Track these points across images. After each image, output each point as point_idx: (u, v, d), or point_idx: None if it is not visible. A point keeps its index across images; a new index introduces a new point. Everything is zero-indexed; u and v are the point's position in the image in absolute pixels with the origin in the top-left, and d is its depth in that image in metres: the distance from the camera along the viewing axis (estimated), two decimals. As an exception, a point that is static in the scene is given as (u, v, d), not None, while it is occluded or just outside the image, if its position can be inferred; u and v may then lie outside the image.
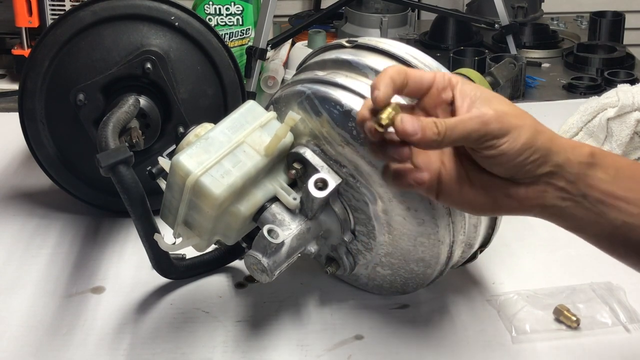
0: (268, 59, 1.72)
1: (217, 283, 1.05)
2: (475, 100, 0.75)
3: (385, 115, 0.73)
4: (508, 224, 1.01)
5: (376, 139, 0.74)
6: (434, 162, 0.77)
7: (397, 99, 0.77)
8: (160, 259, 1.00)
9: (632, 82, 1.52)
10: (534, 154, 0.75)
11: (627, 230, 0.76)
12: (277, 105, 0.97)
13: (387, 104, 0.74)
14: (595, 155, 0.78)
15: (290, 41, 1.82)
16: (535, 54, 1.87)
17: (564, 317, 0.96)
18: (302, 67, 1.03)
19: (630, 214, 0.76)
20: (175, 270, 1.02)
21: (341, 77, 0.93)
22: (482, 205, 0.77)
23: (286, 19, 2.11)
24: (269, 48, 1.66)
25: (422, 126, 0.72)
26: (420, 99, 0.78)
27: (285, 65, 1.76)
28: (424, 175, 0.76)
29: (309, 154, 0.92)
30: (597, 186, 0.76)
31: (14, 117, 1.20)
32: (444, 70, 0.93)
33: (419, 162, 0.77)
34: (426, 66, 0.93)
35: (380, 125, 0.73)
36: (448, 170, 0.77)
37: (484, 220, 0.95)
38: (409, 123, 0.72)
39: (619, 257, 0.81)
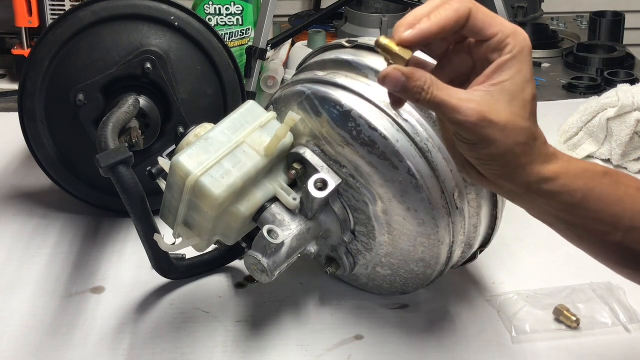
0: (268, 59, 1.72)
1: (217, 283, 1.05)
2: (500, 86, 0.73)
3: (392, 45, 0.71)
4: (508, 224, 1.01)
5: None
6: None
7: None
8: (160, 259, 1.00)
9: (632, 82, 1.52)
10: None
11: (583, 201, 0.75)
12: (277, 105, 0.97)
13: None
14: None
15: (290, 41, 1.82)
16: (535, 54, 1.87)
17: (564, 317, 0.96)
18: (302, 67, 1.03)
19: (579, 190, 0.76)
20: (175, 270, 1.02)
21: (341, 78, 0.93)
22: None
23: (286, 19, 2.11)
24: (269, 48, 1.66)
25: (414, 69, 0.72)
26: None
27: (285, 65, 1.76)
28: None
29: (309, 154, 0.92)
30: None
31: (14, 117, 1.20)
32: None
33: None
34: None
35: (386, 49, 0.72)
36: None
37: (484, 221, 0.95)
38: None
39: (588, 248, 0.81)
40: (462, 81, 0.76)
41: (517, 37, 0.73)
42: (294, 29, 1.79)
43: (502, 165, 0.74)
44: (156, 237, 0.93)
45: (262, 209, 0.92)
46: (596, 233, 0.78)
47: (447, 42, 0.76)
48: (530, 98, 0.74)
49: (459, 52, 0.76)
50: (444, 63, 0.77)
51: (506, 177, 0.75)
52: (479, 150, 0.74)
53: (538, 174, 0.75)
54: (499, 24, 0.73)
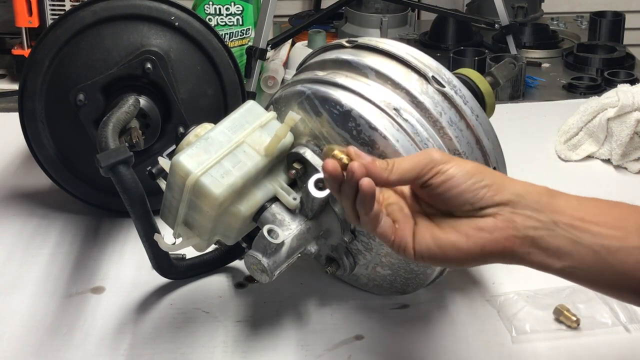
0: (268, 59, 1.72)
1: (217, 283, 1.05)
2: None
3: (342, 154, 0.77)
4: (508, 224, 1.01)
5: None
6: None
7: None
8: (160, 259, 1.00)
9: (632, 82, 1.52)
10: (484, 179, 0.75)
11: (607, 255, 0.74)
12: (277, 105, 0.97)
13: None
14: (552, 190, 0.78)
15: (290, 41, 1.82)
16: (535, 54, 1.87)
17: (564, 317, 0.96)
18: (302, 67, 1.03)
19: (604, 236, 0.74)
20: (175, 270, 1.02)
21: (341, 77, 0.93)
22: (457, 247, 0.75)
23: (286, 19, 2.11)
24: (269, 48, 1.66)
25: (373, 158, 0.76)
26: None
27: (285, 65, 1.76)
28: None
29: (309, 154, 0.92)
30: (564, 212, 0.75)
31: (14, 117, 1.20)
32: (443, 70, 0.94)
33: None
34: (426, 66, 0.93)
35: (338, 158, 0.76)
36: (416, 219, 0.79)
37: (484, 220, 0.95)
38: (362, 154, 0.77)
39: (619, 297, 0.80)
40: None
41: (432, 153, 0.77)
42: (294, 29, 1.80)
43: (486, 176, 0.76)
44: (156, 237, 0.93)
45: (262, 208, 0.92)
46: None
47: None
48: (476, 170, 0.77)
49: None
50: None
51: (497, 188, 0.76)
52: (456, 167, 0.76)
53: (521, 181, 0.77)
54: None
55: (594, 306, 0.98)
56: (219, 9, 1.68)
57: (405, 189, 0.81)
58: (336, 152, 0.77)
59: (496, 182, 0.76)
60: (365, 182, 0.74)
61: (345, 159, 0.76)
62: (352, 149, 0.77)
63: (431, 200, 0.78)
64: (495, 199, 0.75)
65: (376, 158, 0.77)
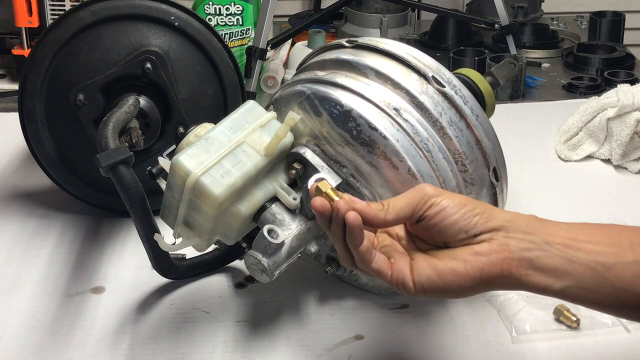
0: (268, 59, 1.72)
1: (217, 283, 1.05)
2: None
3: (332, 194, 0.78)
4: (508, 224, 1.01)
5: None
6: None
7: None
8: (160, 259, 1.00)
9: (632, 82, 1.52)
10: (476, 208, 0.78)
11: (603, 272, 0.75)
12: (277, 105, 0.97)
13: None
14: (540, 218, 0.79)
15: (290, 41, 1.82)
16: (535, 54, 1.87)
17: (564, 317, 0.96)
18: (302, 67, 1.03)
19: (599, 253, 0.76)
20: (175, 270, 1.02)
21: (341, 77, 0.93)
22: (457, 272, 0.76)
23: (286, 19, 2.11)
24: (269, 48, 1.66)
25: (368, 203, 0.78)
26: None
27: (285, 65, 1.76)
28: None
29: (309, 154, 0.92)
30: (555, 233, 0.77)
31: (14, 117, 1.20)
32: (443, 69, 0.94)
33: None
34: (426, 66, 0.93)
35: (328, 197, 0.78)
36: (412, 256, 0.80)
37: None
38: (355, 199, 0.79)
39: (621, 315, 0.81)
40: None
41: (425, 188, 0.79)
42: (294, 29, 1.80)
43: (477, 205, 0.78)
44: (156, 237, 0.93)
45: (262, 208, 0.92)
46: None
47: None
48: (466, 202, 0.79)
49: None
50: None
51: (489, 215, 0.78)
52: (449, 198, 0.78)
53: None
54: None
55: (594, 306, 0.98)
56: (219, 9, 1.68)
57: (400, 231, 0.82)
58: (322, 186, 0.79)
59: (487, 210, 0.78)
60: (351, 215, 0.76)
61: (331, 194, 0.78)
62: (347, 196, 0.79)
63: (427, 233, 0.79)
64: (488, 225, 0.77)
65: (370, 202, 0.79)
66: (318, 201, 0.78)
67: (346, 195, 0.79)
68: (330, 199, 0.78)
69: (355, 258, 0.78)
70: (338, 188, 0.92)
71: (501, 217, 0.77)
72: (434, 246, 0.80)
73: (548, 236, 0.76)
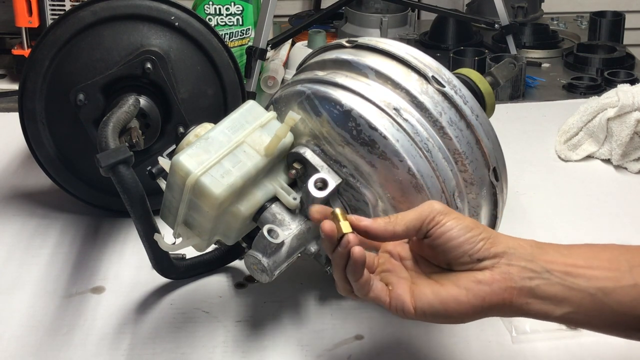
0: (268, 59, 1.72)
1: (217, 283, 1.05)
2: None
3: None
4: (508, 224, 1.01)
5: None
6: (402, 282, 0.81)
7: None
8: (160, 259, 1.00)
9: (632, 82, 1.52)
10: (482, 233, 0.78)
11: (603, 297, 0.76)
12: (277, 105, 0.97)
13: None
14: (540, 242, 0.80)
15: (290, 41, 1.82)
16: (535, 54, 1.87)
17: (564, 317, 0.96)
18: (302, 67, 1.03)
19: (598, 279, 0.77)
20: (175, 270, 1.02)
21: (341, 77, 0.93)
22: (459, 300, 0.77)
23: (286, 19, 2.11)
24: (269, 48, 1.66)
25: (374, 218, 0.80)
26: None
27: (285, 65, 1.76)
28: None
29: (309, 154, 0.92)
30: (555, 260, 0.78)
31: (14, 117, 1.21)
32: (443, 69, 0.94)
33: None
34: (426, 66, 0.93)
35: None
36: (414, 280, 0.80)
37: (483, 220, 0.95)
38: (361, 218, 0.80)
39: (622, 336, 0.81)
40: None
41: (434, 204, 0.80)
42: (294, 29, 1.80)
43: (484, 230, 0.79)
44: (156, 237, 0.93)
45: (262, 208, 0.92)
46: None
47: None
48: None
49: None
50: None
51: (493, 240, 0.79)
52: (456, 219, 0.79)
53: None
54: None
55: (594, 306, 0.98)
56: (219, 9, 1.68)
57: (403, 251, 0.83)
58: (337, 212, 0.79)
59: (492, 235, 0.79)
60: (357, 250, 0.76)
61: (342, 225, 0.78)
62: (353, 217, 0.79)
63: (432, 252, 0.80)
64: (492, 250, 0.78)
65: (376, 218, 0.80)
66: (327, 225, 0.78)
67: (353, 216, 0.79)
68: (340, 229, 0.78)
69: (353, 288, 0.79)
70: (338, 188, 0.92)
71: (504, 243, 0.78)
72: (437, 268, 0.80)
73: (548, 264, 0.77)
